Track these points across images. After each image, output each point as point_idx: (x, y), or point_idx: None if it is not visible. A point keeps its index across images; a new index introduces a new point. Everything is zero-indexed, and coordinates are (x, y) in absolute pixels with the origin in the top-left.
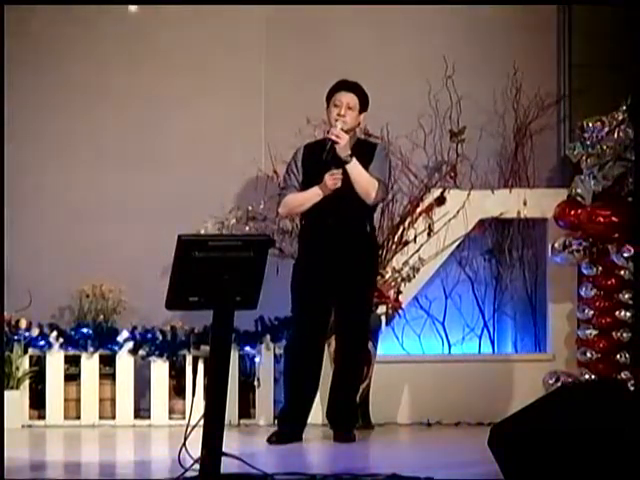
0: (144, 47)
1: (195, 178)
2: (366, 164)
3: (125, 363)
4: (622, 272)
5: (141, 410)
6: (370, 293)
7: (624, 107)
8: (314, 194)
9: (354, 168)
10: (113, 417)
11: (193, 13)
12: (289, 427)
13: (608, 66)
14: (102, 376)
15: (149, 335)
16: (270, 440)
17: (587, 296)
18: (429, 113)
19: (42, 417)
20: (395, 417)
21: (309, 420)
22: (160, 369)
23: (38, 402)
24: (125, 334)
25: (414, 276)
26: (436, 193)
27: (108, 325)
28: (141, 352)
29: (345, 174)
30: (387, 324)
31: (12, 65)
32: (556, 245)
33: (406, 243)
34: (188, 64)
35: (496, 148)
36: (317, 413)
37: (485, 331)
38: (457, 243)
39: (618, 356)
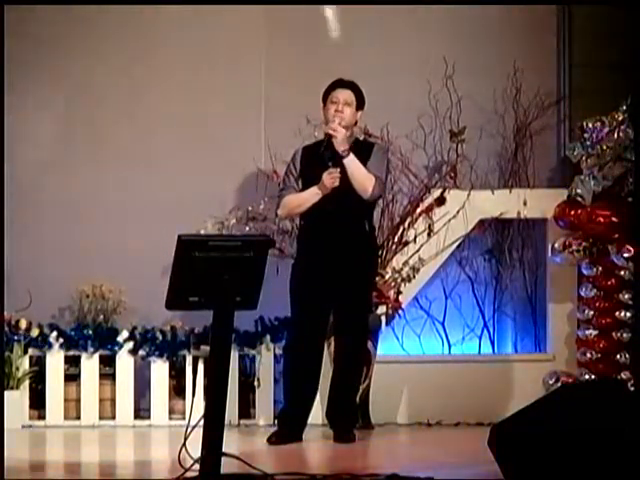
0: (144, 47)
1: (195, 178)
2: (364, 163)
3: (125, 363)
4: (622, 272)
5: (141, 410)
6: (369, 293)
7: (624, 107)
8: (313, 194)
9: (351, 162)
10: (113, 417)
11: (193, 13)
12: (289, 427)
13: (608, 66)
14: (102, 376)
15: (149, 335)
16: (270, 440)
17: (587, 296)
18: (429, 113)
19: (42, 417)
20: (395, 417)
21: (309, 420)
22: (160, 369)
23: (38, 402)
24: (125, 334)
25: (414, 276)
26: (436, 193)
27: (108, 325)
28: (141, 352)
29: (343, 173)
30: (387, 324)
31: (12, 65)
32: (556, 245)
33: (406, 243)
34: (188, 64)
35: (496, 148)
36: (317, 413)
37: (485, 331)
38: (457, 243)
39: (618, 356)
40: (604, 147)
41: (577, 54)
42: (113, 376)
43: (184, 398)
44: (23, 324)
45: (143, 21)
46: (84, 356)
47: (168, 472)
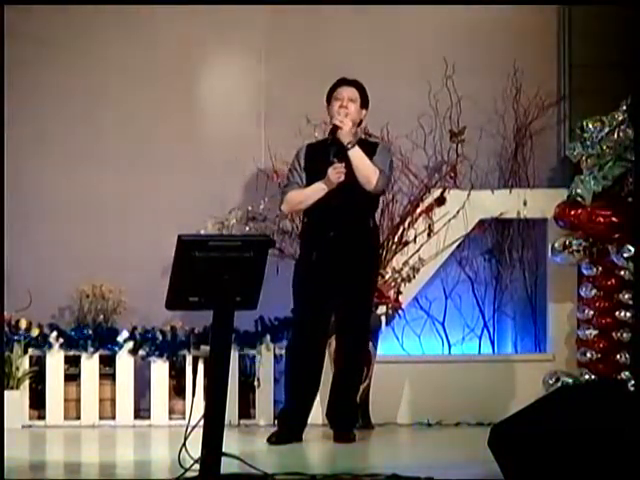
0: (143, 47)
1: (195, 178)
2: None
3: (125, 363)
4: (622, 272)
5: (141, 410)
6: (372, 292)
7: (624, 107)
8: (318, 189)
9: (356, 154)
10: (113, 417)
11: (193, 13)
12: (289, 427)
13: (608, 66)
14: (102, 376)
15: (149, 335)
16: (270, 440)
17: (587, 296)
18: (429, 113)
19: (42, 417)
20: (395, 417)
21: (309, 420)
22: (160, 369)
23: (38, 402)
24: (125, 334)
25: (414, 276)
26: (436, 193)
27: (108, 325)
28: (141, 352)
29: (348, 168)
30: (387, 324)
31: (12, 65)
32: (556, 245)
33: (406, 243)
34: (188, 64)
35: (496, 148)
36: (317, 413)
37: (485, 331)
38: (457, 243)
39: (618, 356)
40: (604, 147)
41: (577, 54)
42: (113, 376)
43: (184, 398)
44: (23, 324)
45: (142, 21)
46: (84, 356)
47: (168, 472)
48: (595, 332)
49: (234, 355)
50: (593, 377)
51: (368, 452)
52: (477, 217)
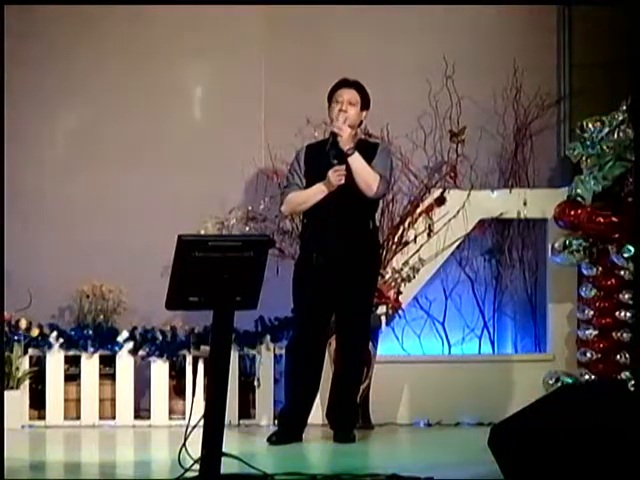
0: (144, 47)
1: (195, 178)
2: (368, 162)
3: (125, 363)
4: (622, 272)
5: (141, 410)
6: (372, 293)
7: (624, 107)
8: (317, 191)
9: (356, 160)
10: (113, 417)
11: (193, 13)
12: (289, 427)
13: (608, 66)
14: (102, 376)
15: (149, 335)
16: (270, 440)
17: (587, 296)
18: (429, 113)
19: (42, 417)
20: (395, 417)
21: (309, 420)
22: (160, 369)
23: (38, 402)
24: (125, 334)
25: (414, 276)
26: (436, 193)
27: (108, 325)
28: (141, 352)
29: (348, 171)
30: (387, 324)
31: (12, 65)
32: (556, 245)
33: (406, 243)
34: (188, 64)
35: (496, 148)
36: (317, 413)
37: (485, 331)
38: (457, 243)
39: (618, 356)
40: (604, 147)
41: (577, 54)
42: (113, 376)
43: (184, 398)
44: (23, 324)
45: (143, 21)
46: (84, 356)
47: (168, 472)
48: (595, 332)
49: (234, 355)
50: (593, 377)
51: (368, 452)
52: (477, 217)
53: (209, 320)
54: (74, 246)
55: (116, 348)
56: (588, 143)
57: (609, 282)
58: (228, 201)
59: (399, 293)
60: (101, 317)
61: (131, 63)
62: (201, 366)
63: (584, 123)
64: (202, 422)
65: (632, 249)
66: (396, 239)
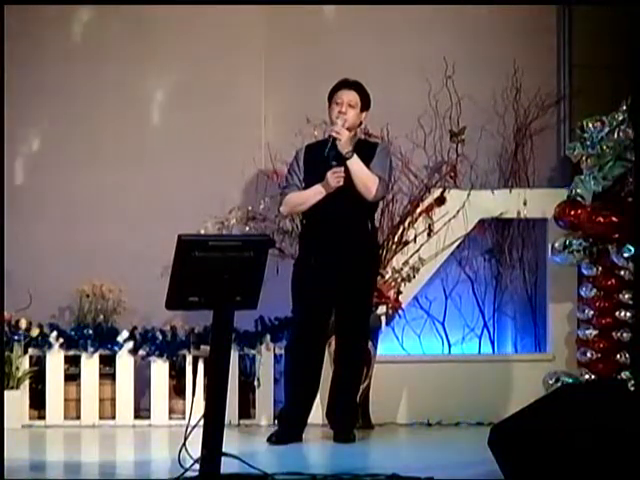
0: (144, 47)
1: (195, 178)
2: (367, 163)
3: (125, 363)
4: (622, 272)
5: (141, 410)
6: (371, 294)
7: (624, 107)
8: (316, 192)
9: (355, 164)
10: (113, 417)
11: (193, 13)
12: (289, 427)
13: (608, 66)
14: (102, 376)
15: (149, 335)
16: (270, 440)
17: (587, 296)
18: (429, 113)
19: (42, 417)
20: (395, 417)
21: (309, 420)
22: (160, 369)
23: (38, 402)
24: (125, 334)
25: (414, 276)
26: (436, 193)
27: (108, 325)
28: (141, 352)
29: (347, 172)
30: (387, 324)
31: (12, 65)
32: (556, 245)
33: (406, 243)
34: (188, 64)
35: (496, 148)
36: (317, 413)
37: (485, 331)
38: (457, 243)
39: (618, 356)
40: (604, 147)
41: (577, 54)
42: (113, 376)
43: (184, 398)
44: (23, 324)
45: (142, 21)
46: (84, 356)
47: (168, 472)
48: (595, 332)
49: (234, 355)
50: (593, 377)
51: (368, 452)
52: (477, 217)
53: (209, 320)
54: (74, 246)
55: (116, 348)
56: (588, 143)
57: (609, 282)
58: (228, 201)
59: (399, 293)
60: (101, 317)
61: (131, 63)
62: (201, 366)
63: (584, 123)
64: (202, 422)
65: (632, 249)
66: (396, 239)
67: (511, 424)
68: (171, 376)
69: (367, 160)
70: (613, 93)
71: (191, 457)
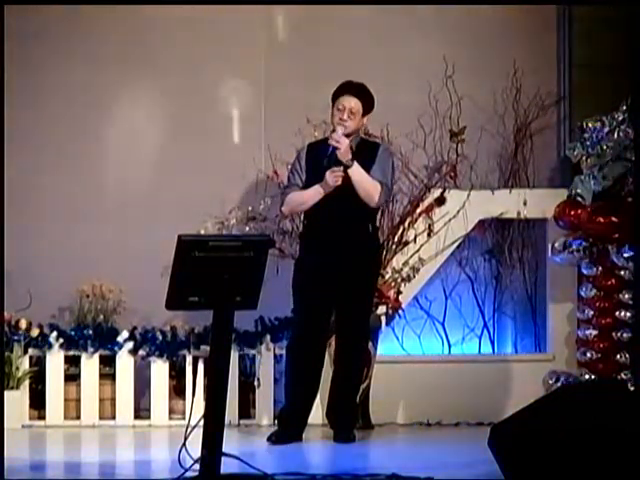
0: (144, 47)
1: (195, 178)
2: (369, 164)
3: (125, 363)
4: (622, 272)
5: (141, 410)
6: (372, 295)
7: (624, 107)
8: (315, 192)
9: (356, 172)
10: (113, 417)
11: (193, 13)
12: (289, 427)
13: (608, 66)
14: (102, 376)
15: (149, 335)
16: (270, 440)
17: (587, 296)
18: (429, 113)
19: (42, 417)
20: (395, 417)
21: (309, 420)
22: (160, 369)
23: (38, 402)
24: (125, 334)
25: (414, 276)
26: (436, 193)
27: (108, 325)
28: (141, 352)
29: (347, 175)
30: (387, 324)
31: (12, 65)
32: (556, 245)
33: (406, 243)
34: (188, 64)
35: (496, 148)
36: (317, 413)
37: (485, 331)
38: (457, 243)
39: (618, 356)
40: (604, 147)
41: (577, 54)
42: (113, 376)
43: (184, 398)
44: (23, 324)
45: (143, 21)
46: (84, 356)
47: (168, 472)
48: (595, 332)
49: (234, 355)
50: (593, 377)
51: (368, 452)
52: (477, 217)
53: (209, 320)
54: (74, 246)
55: (116, 348)
56: (588, 143)
57: (609, 282)
58: (228, 201)
59: (399, 293)
60: (101, 317)
61: (131, 62)
62: (201, 366)
63: (584, 123)
64: (202, 422)
65: (632, 249)
66: (396, 239)
67: (511, 424)
68: (171, 376)
69: (369, 161)
70: (613, 93)
71: (191, 457)
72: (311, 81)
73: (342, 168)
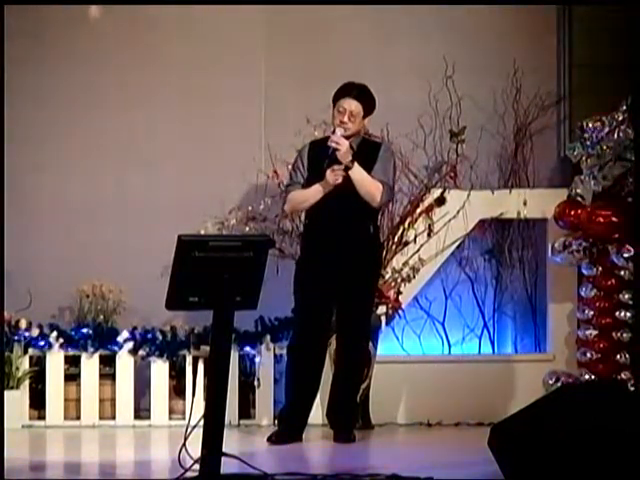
0: (144, 47)
1: (195, 178)
2: (370, 164)
3: (125, 363)
4: (622, 272)
5: (141, 410)
6: (372, 295)
7: (624, 107)
8: (316, 191)
9: (357, 173)
10: (113, 417)
11: (193, 13)
12: (289, 427)
13: (608, 66)
14: (102, 376)
15: (149, 335)
16: (270, 440)
17: (587, 296)
18: (429, 113)
19: (42, 417)
20: (395, 417)
21: (309, 420)
22: (160, 369)
23: (38, 402)
24: (125, 334)
25: (414, 276)
26: (436, 193)
27: (108, 325)
28: (141, 352)
29: (349, 181)
30: (387, 324)
31: (12, 65)
32: (556, 245)
33: (406, 243)
34: (188, 64)
35: (496, 148)
36: (317, 413)
37: (485, 331)
38: (457, 243)
39: (618, 356)
40: (604, 147)
41: (577, 54)
42: (113, 376)
43: (184, 398)
44: (23, 324)
45: (143, 21)
46: (84, 356)
47: (168, 472)
48: (595, 332)
49: (234, 355)
50: (593, 377)
51: (368, 452)
52: (477, 217)
53: (209, 320)
54: (74, 246)
55: (116, 348)
56: (588, 143)
57: (609, 282)
58: (228, 201)
59: (399, 293)
60: (101, 317)
61: (131, 63)
62: (201, 366)
63: (584, 123)
64: (202, 422)
65: (632, 249)
66: (396, 239)
67: (511, 424)
68: (171, 376)
69: (370, 161)
70: (613, 93)
71: (191, 457)
72: (311, 81)
73: (343, 166)
